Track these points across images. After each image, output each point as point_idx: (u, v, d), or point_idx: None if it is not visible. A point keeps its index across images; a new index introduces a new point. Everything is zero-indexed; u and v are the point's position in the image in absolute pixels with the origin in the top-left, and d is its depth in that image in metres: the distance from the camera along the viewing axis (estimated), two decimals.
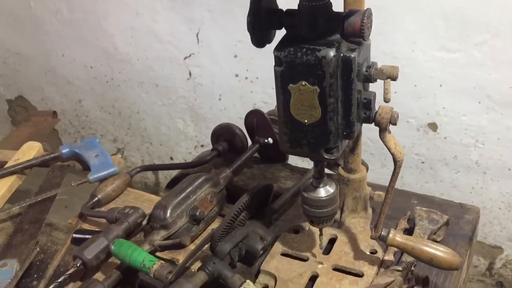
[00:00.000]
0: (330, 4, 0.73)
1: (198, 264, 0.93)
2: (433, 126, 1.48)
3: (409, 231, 0.98)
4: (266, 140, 1.17)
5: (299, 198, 0.94)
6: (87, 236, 0.99)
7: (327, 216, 0.86)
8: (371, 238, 0.87)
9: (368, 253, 0.93)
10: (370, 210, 1.01)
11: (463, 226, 1.00)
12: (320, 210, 0.85)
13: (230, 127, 1.20)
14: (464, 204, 1.04)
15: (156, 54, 1.72)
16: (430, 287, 0.89)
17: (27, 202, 1.10)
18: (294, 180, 1.16)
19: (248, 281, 0.85)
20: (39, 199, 1.10)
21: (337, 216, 1.01)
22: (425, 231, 0.95)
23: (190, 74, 1.71)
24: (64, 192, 1.15)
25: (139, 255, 0.88)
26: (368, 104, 0.76)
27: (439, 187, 1.57)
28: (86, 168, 1.19)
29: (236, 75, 1.63)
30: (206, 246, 0.95)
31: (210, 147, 1.24)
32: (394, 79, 0.80)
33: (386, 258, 0.92)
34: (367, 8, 0.71)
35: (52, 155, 1.20)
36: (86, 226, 1.08)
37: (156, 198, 1.10)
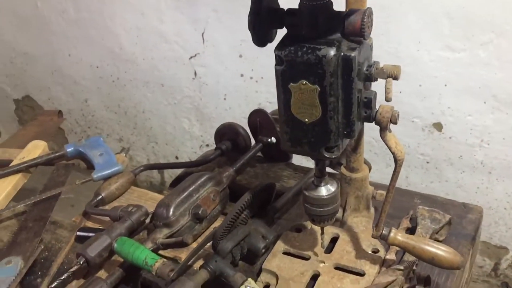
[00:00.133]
0: (331, 3, 0.73)
1: (200, 262, 0.93)
2: (438, 126, 1.47)
3: (411, 230, 0.98)
4: (269, 140, 1.17)
5: (301, 197, 0.94)
6: (90, 234, 1.00)
7: (328, 215, 0.86)
8: (372, 237, 0.87)
9: (370, 252, 0.93)
10: (372, 209, 1.01)
11: (466, 225, 1.00)
12: (321, 209, 0.86)
13: (234, 127, 1.20)
14: (467, 204, 1.04)
15: (161, 54, 1.72)
16: (432, 286, 0.89)
17: (31, 200, 1.11)
18: (297, 179, 1.16)
19: (249, 279, 0.85)
20: (43, 197, 1.11)
21: (339, 215, 1.01)
22: (427, 231, 0.94)
23: (195, 74, 1.71)
24: (69, 190, 1.15)
25: (141, 253, 0.89)
26: (368, 103, 0.76)
27: (444, 187, 1.56)
28: (91, 166, 1.20)
29: (241, 75, 1.64)
30: (208, 244, 0.95)
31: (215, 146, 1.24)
32: (395, 78, 0.80)
33: (388, 257, 0.92)
34: (368, 7, 0.71)
35: (57, 154, 1.21)
36: (90, 224, 1.08)
37: (159, 197, 1.10)
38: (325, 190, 0.85)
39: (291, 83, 0.74)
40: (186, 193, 1.01)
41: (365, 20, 0.69)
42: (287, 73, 0.74)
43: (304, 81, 0.73)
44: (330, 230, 0.98)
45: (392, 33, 1.39)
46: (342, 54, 0.71)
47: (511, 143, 1.39)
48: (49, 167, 1.22)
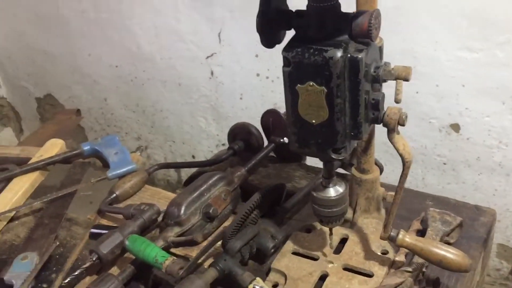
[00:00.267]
0: (339, 4, 0.73)
1: (210, 261, 0.95)
2: (455, 127, 1.46)
3: (422, 232, 0.97)
4: (281, 140, 1.17)
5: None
6: (104, 231, 1.01)
7: (337, 216, 0.87)
8: (381, 238, 0.87)
9: (379, 253, 0.93)
10: (383, 211, 1.01)
11: (478, 228, 0.99)
12: (330, 210, 0.86)
13: (246, 127, 1.21)
14: (480, 206, 1.03)
15: (179, 54, 1.74)
16: None
17: (48, 198, 1.13)
18: (309, 180, 1.16)
19: (258, 278, 0.86)
20: (59, 195, 1.14)
21: (350, 216, 1.01)
22: (437, 233, 0.94)
23: (212, 73, 1.72)
24: (87, 188, 1.17)
25: (152, 250, 0.90)
26: (376, 104, 0.76)
27: (461, 189, 1.55)
28: (106, 165, 1.22)
29: (257, 75, 1.64)
30: (219, 243, 0.96)
31: None
32: (406, 79, 0.80)
33: (397, 259, 0.91)
34: (375, 9, 0.71)
35: (73, 152, 1.24)
36: (104, 221, 1.10)
37: (172, 195, 1.12)
38: (334, 191, 0.85)
39: (299, 85, 0.75)
40: (197, 193, 1.02)
41: (372, 21, 0.69)
42: (294, 74, 0.74)
43: (311, 82, 0.73)
44: (340, 231, 0.98)
45: (408, 33, 1.38)
46: (349, 55, 0.71)
47: None
48: (66, 165, 1.25)
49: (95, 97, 2.00)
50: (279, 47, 0.78)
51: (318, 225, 0.99)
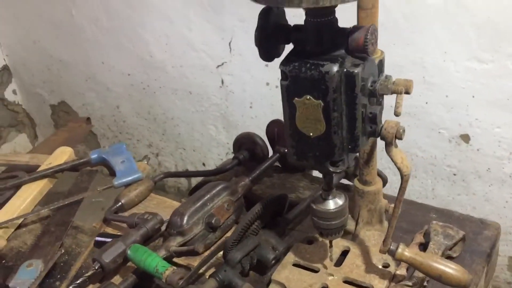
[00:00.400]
0: (336, 20, 0.73)
1: (212, 271, 0.95)
2: (465, 138, 1.45)
3: (425, 246, 0.96)
4: (286, 150, 1.17)
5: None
6: (108, 240, 1.03)
7: (336, 229, 0.87)
8: (380, 252, 0.87)
9: (380, 266, 0.93)
10: (386, 223, 1.01)
11: (481, 242, 0.98)
12: (329, 222, 0.86)
13: (251, 136, 1.21)
14: (484, 220, 1.02)
15: (190, 62, 1.75)
16: None
17: (55, 205, 1.15)
18: (313, 190, 1.16)
19: None
20: (66, 203, 1.15)
21: (352, 228, 1.01)
22: (439, 247, 0.93)
23: (222, 82, 1.73)
24: (92, 196, 1.19)
25: (153, 260, 0.91)
26: (373, 118, 0.76)
27: (471, 200, 1.53)
28: (113, 173, 1.23)
29: (267, 84, 1.65)
30: (221, 253, 0.97)
31: None
32: (407, 92, 0.80)
33: (398, 272, 0.91)
34: (371, 24, 0.71)
35: (81, 160, 1.26)
36: (109, 230, 1.12)
37: (177, 205, 1.12)
38: (333, 203, 0.85)
39: (296, 98, 0.75)
40: (200, 202, 1.03)
41: (368, 37, 0.70)
42: (291, 88, 0.75)
43: (308, 96, 0.74)
44: (341, 243, 0.98)
45: (418, 43, 1.37)
46: (345, 70, 0.71)
47: None
48: (74, 172, 1.26)
49: (108, 104, 2.03)
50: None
51: (320, 237, 0.99)
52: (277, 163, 1.21)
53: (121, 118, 2.03)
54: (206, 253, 1.00)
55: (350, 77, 0.71)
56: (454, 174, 1.52)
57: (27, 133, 2.29)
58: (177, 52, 1.76)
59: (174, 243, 0.99)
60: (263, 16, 0.76)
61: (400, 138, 0.77)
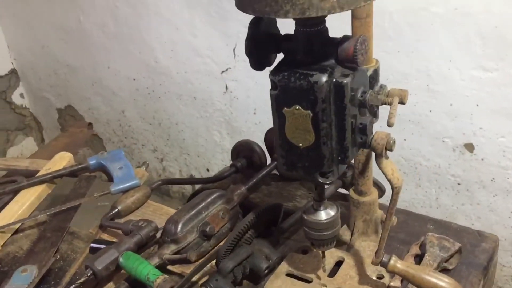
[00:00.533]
0: (326, 29, 0.73)
1: (205, 280, 0.94)
2: (469, 147, 1.43)
3: (421, 257, 0.95)
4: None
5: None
6: (103, 246, 1.02)
7: (328, 240, 0.86)
8: (372, 263, 0.86)
9: (374, 278, 0.91)
10: None
11: (479, 254, 0.96)
12: (320, 233, 0.85)
13: (249, 144, 1.21)
14: (482, 232, 1.00)
15: (194, 68, 1.76)
16: None
17: (52, 211, 1.15)
18: (310, 199, 1.15)
19: None
20: (63, 208, 1.15)
21: (347, 238, 1.00)
22: (435, 259, 0.92)
23: (226, 88, 1.73)
24: (92, 202, 1.19)
25: (144, 268, 0.91)
26: (364, 129, 0.75)
27: (475, 210, 1.51)
28: (111, 179, 1.23)
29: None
30: (214, 262, 0.96)
31: None
32: (401, 102, 0.79)
33: (392, 284, 0.90)
34: (361, 35, 0.70)
35: (80, 166, 1.26)
36: (105, 236, 1.11)
37: (173, 212, 1.12)
38: (325, 214, 0.84)
39: (285, 108, 0.74)
40: (195, 210, 1.02)
41: (357, 47, 0.69)
42: (281, 97, 0.74)
43: (298, 106, 0.73)
44: (336, 254, 0.96)
45: (423, 51, 1.36)
46: (334, 80, 0.71)
47: None
48: (73, 178, 1.27)
49: (113, 109, 2.04)
50: None
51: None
52: (275, 171, 1.20)
53: (126, 123, 2.04)
54: (200, 262, 1.00)
55: (339, 87, 0.71)
56: (459, 184, 1.50)
57: (34, 137, 2.31)
58: (182, 58, 1.76)
59: (168, 251, 0.99)
60: (253, 26, 0.75)
61: (391, 150, 0.76)
